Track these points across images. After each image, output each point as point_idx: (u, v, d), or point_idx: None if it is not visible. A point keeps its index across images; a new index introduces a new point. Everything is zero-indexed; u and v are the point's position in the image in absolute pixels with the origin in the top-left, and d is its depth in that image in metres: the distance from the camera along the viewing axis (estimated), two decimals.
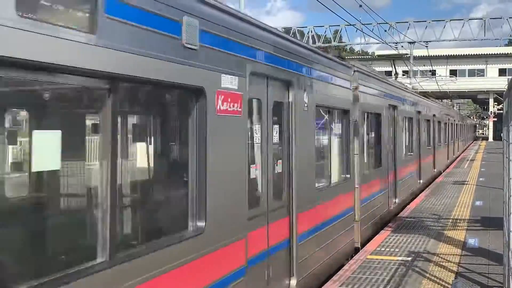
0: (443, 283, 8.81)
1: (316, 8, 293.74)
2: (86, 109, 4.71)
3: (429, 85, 53.64)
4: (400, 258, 10.41)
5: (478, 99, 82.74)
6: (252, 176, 6.62)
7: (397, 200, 16.01)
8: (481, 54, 72.62)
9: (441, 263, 10.06)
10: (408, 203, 17.58)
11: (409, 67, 55.08)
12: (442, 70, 70.24)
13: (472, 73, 74.55)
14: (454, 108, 65.50)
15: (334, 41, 57.81)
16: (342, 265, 10.14)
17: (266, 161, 7.01)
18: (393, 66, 31.82)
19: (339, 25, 55.44)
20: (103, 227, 4.15)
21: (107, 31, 4.06)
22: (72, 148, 4.45)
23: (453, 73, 70.74)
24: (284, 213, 7.63)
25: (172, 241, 4.96)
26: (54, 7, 3.68)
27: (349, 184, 10.97)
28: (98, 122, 4.30)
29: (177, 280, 4.92)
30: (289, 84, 7.73)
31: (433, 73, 66.41)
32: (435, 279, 9.05)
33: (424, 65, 63.28)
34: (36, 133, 3.98)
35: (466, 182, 23.64)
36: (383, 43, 47.69)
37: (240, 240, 6.11)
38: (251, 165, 6.57)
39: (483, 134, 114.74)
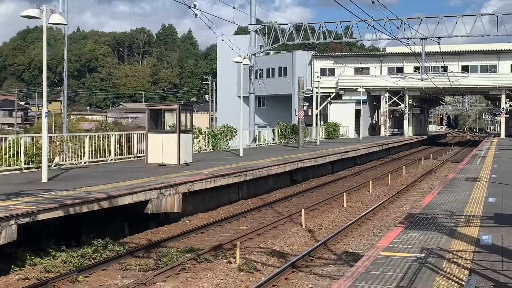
0: (457, 280, 8.78)
1: (326, 4, 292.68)
2: None
3: (441, 81, 53.36)
4: (413, 255, 10.38)
5: (490, 95, 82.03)
6: None
7: None
8: (493, 50, 71.82)
9: (454, 260, 10.02)
10: None
11: (420, 63, 54.83)
12: (454, 66, 69.73)
13: (484, 69, 73.86)
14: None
15: (345, 37, 57.66)
16: None
17: None
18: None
19: (350, 21, 55.27)
20: None
21: None
22: None
23: (465, 69, 70.17)
24: None
25: None
26: None
27: None
28: None
29: None
30: None
31: (445, 69, 65.98)
32: (449, 275, 9.02)
33: (436, 61, 62.89)
34: None
35: (478, 179, 23.50)
36: (394, 39, 47.46)
37: None
38: None
39: (494, 130, 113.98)
